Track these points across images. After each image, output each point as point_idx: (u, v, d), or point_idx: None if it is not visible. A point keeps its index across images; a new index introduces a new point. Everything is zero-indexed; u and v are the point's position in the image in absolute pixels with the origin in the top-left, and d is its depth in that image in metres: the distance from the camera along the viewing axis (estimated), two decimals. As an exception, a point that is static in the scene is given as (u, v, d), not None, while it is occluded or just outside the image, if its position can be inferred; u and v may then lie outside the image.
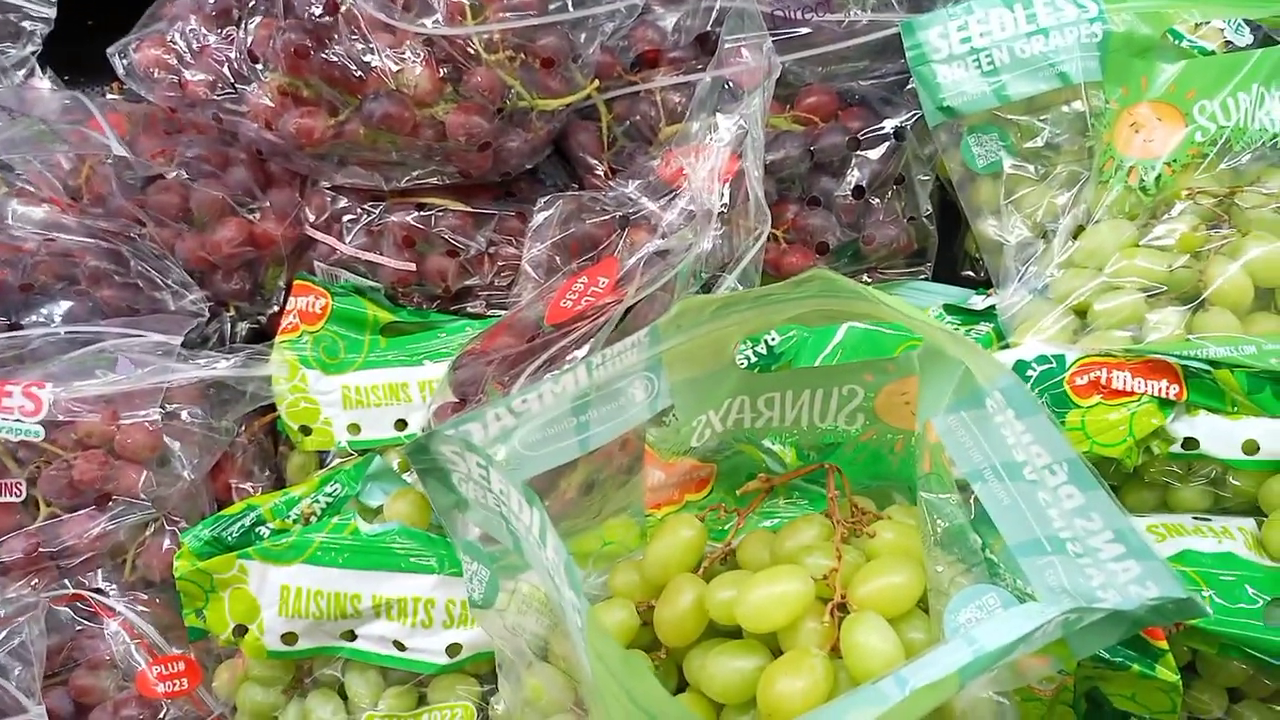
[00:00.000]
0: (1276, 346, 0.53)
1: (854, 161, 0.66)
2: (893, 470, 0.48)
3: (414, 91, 0.63)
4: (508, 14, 0.65)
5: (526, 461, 0.40)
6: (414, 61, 0.62)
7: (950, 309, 0.62)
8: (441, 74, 0.64)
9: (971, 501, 0.42)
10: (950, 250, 0.72)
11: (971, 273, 0.70)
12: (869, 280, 0.68)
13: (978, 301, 0.62)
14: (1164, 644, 0.41)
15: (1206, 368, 0.52)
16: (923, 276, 0.68)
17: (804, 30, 0.66)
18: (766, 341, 0.60)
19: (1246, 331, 0.54)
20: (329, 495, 0.56)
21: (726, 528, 0.48)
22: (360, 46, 0.62)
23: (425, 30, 0.61)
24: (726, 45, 0.66)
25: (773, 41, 0.67)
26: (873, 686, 0.35)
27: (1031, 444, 0.38)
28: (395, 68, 0.62)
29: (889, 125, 0.66)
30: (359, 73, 0.62)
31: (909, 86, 0.66)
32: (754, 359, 0.59)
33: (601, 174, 0.72)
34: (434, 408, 0.54)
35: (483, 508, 0.38)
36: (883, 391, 0.46)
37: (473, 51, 0.64)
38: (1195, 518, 0.51)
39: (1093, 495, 0.36)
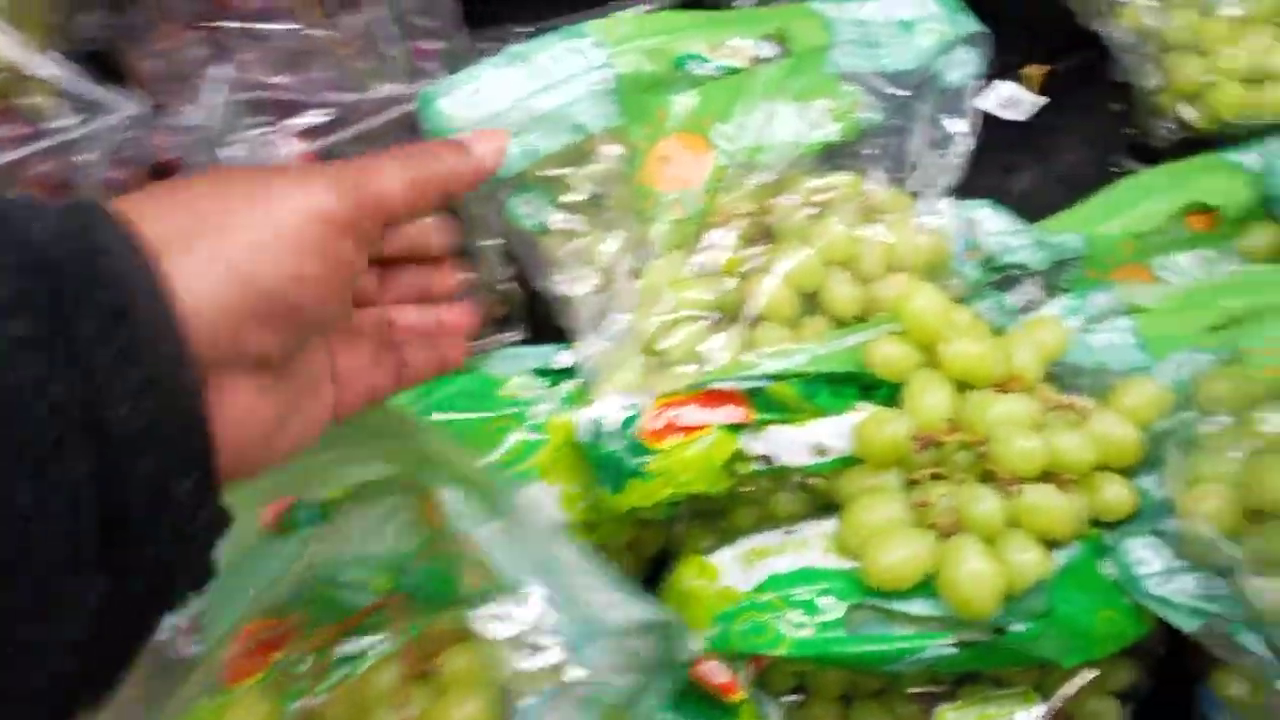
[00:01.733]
0: (825, 350, 0.55)
1: (413, 240, 0.63)
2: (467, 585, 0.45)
3: None
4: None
5: None
6: None
7: (540, 372, 0.61)
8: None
9: (531, 601, 0.40)
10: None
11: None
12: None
13: (563, 358, 0.61)
14: (738, 699, 0.41)
15: (761, 384, 0.53)
16: (515, 340, 0.66)
17: (323, 111, 0.63)
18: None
19: (798, 339, 0.57)
20: None
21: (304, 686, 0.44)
22: None
23: None
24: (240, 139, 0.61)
25: (309, 127, 0.64)
26: None
27: (544, 535, 0.36)
28: None
29: (440, 197, 0.64)
30: None
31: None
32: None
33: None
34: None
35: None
36: (429, 505, 0.43)
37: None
38: (786, 532, 0.52)
39: (599, 571, 0.35)
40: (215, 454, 0.28)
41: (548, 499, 0.54)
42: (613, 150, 0.61)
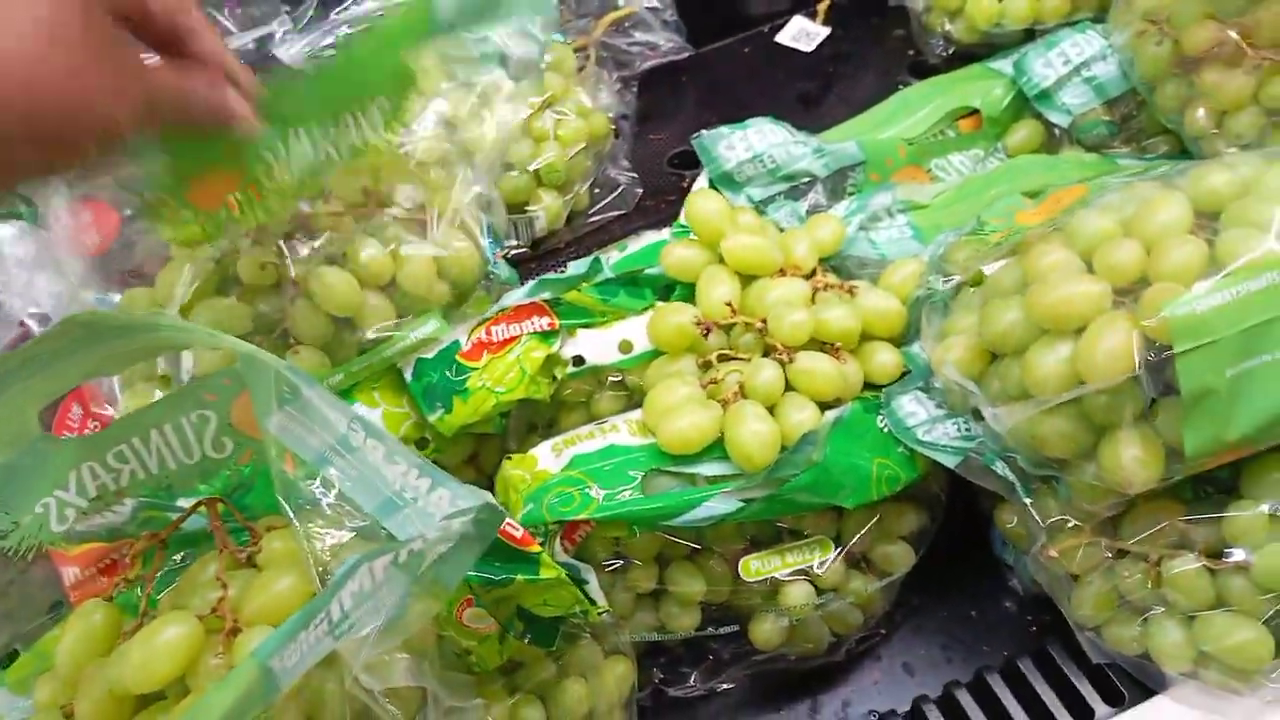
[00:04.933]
0: (618, 256, 0.60)
1: None
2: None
3: None
4: None
5: None
6: None
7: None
8: None
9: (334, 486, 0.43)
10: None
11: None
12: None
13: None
14: (535, 549, 0.45)
15: (558, 296, 0.58)
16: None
17: None
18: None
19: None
20: None
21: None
22: None
23: None
24: None
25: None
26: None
27: (332, 411, 0.40)
28: None
29: None
30: None
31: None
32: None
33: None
34: None
35: None
36: (235, 406, 0.46)
37: None
38: (597, 424, 0.57)
39: (387, 441, 0.39)
40: None
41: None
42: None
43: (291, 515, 0.43)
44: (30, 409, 0.40)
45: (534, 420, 0.63)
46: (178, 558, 0.50)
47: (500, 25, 0.54)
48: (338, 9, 0.69)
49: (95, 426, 0.55)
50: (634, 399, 0.61)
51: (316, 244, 0.53)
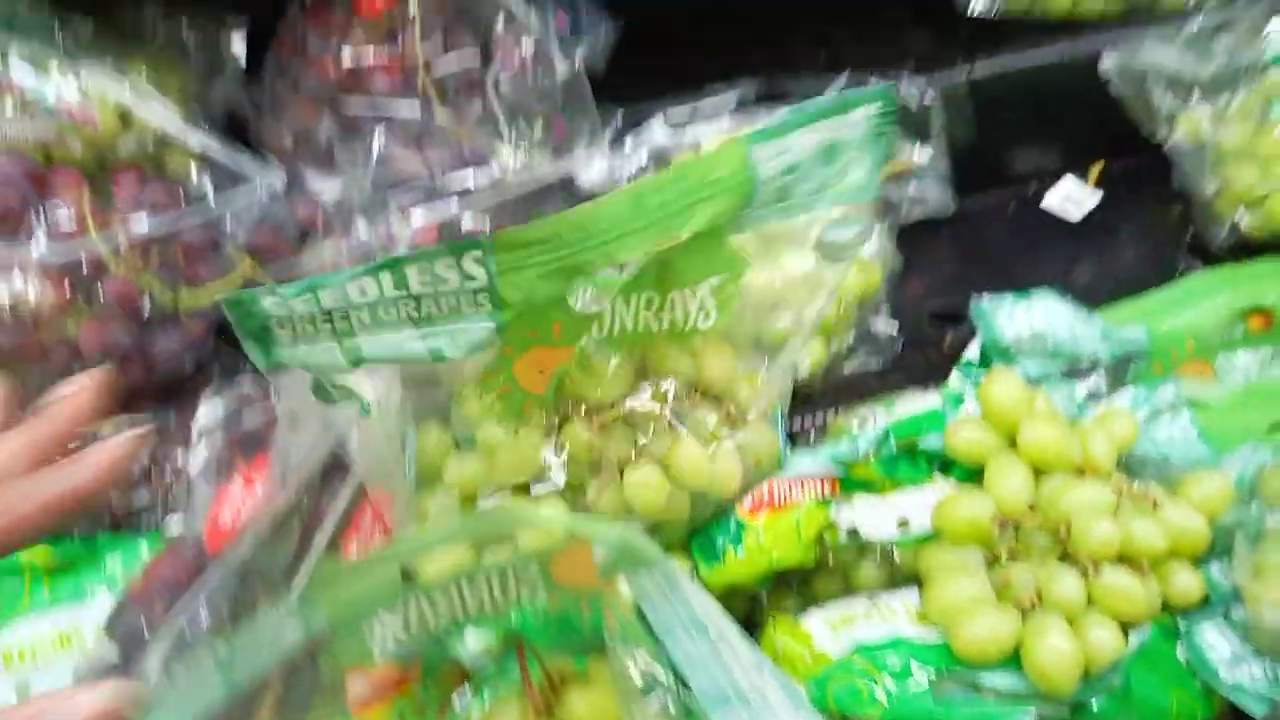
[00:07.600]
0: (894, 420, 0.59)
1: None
2: (585, 630, 0.49)
3: (35, 314, 0.58)
4: (138, 217, 0.62)
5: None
6: (28, 283, 0.58)
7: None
8: (68, 286, 0.60)
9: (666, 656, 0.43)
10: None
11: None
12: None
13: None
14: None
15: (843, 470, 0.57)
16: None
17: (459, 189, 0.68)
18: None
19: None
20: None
21: (431, 727, 0.47)
22: (-46, 278, 0.56)
23: (32, 254, 0.57)
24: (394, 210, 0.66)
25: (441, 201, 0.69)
26: None
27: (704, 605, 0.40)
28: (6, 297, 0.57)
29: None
30: (-41, 307, 0.57)
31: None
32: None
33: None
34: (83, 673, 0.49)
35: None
36: (557, 560, 0.46)
37: (100, 260, 0.60)
38: (872, 602, 0.55)
39: (755, 652, 0.39)
40: None
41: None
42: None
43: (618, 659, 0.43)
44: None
45: (784, 573, 0.62)
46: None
47: (819, 209, 0.54)
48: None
49: (381, 533, 0.57)
50: (897, 576, 0.59)
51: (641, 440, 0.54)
